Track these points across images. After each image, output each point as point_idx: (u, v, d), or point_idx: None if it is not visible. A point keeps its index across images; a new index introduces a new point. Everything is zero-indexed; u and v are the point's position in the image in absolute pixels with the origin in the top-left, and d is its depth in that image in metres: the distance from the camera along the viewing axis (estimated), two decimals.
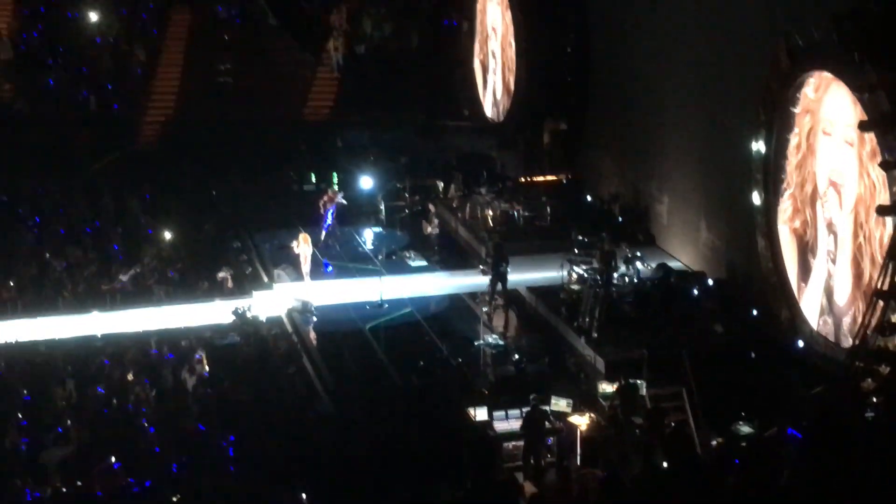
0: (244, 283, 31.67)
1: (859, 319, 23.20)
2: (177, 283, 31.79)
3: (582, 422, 23.64)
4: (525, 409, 23.52)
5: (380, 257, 33.73)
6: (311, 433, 23.53)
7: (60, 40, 44.06)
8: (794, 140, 24.94)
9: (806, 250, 25.15)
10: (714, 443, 22.93)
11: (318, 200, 35.13)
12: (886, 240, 22.07)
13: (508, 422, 23.94)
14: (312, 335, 29.14)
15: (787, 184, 25.41)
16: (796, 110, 24.71)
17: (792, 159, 25.06)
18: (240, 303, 29.61)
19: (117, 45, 44.30)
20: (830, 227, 24.26)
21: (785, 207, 25.59)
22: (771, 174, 26.07)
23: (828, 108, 23.91)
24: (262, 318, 29.29)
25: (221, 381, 25.86)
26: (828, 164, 24.13)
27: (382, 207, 37.22)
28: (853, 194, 23.40)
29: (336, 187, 36.62)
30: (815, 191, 24.63)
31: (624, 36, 34.49)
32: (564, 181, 37.13)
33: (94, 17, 44.22)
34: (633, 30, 33.89)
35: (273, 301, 30.57)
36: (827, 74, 23.67)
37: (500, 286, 29.73)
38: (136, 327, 29.07)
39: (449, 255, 34.27)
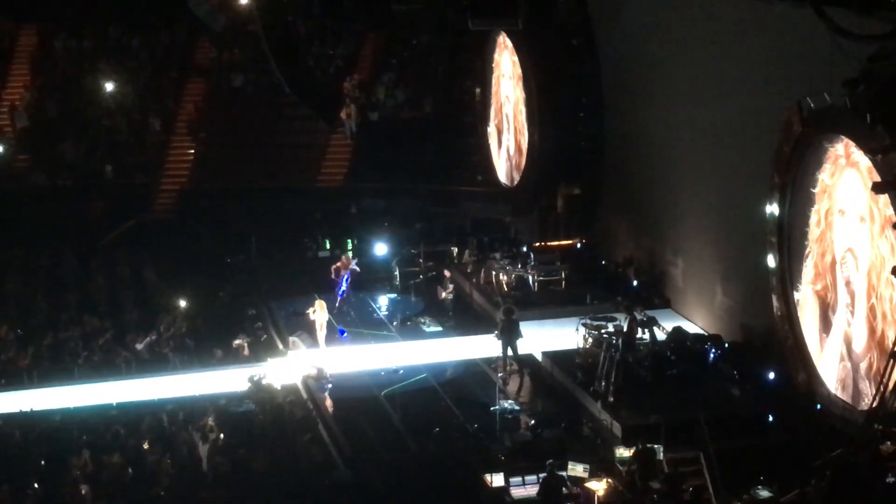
0: (259, 351, 31.68)
1: (875, 365, 23.58)
2: (192, 350, 31.81)
3: (599, 487, 23.50)
4: (542, 475, 23.40)
5: (395, 323, 33.75)
6: (328, 501, 23.43)
7: (76, 110, 44.44)
8: (814, 217, 25.43)
9: (827, 309, 25.39)
10: None
11: (332, 267, 35.19)
12: None
13: (525, 488, 23.80)
14: (328, 402, 29.08)
15: (809, 250, 25.68)
16: (815, 190, 25.21)
17: (814, 231, 25.52)
18: (255, 370, 29.60)
19: (133, 114, 44.65)
20: (848, 284, 24.62)
21: (808, 271, 25.82)
22: (785, 237, 26.18)
23: (841, 190, 24.49)
24: (278, 385, 29.24)
25: (237, 450, 25.78)
26: (844, 239, 24.66)
27: (397, 273, 37.27)
28: (866, 262, 23.94)
29: (350, 254, 36.70)
30: (833, 260, 24.97)
31: (638, 100, 34.68)
32: (579, 246, 37.21)
33: (109, 86, 44.58)
34: (647, 94, 34.07)
35: (288, 368, 30.57)
36: (841, 161, 24.14)
37: (510, 352, 29.73)
38: (151, 395, 29.05)
39: (464, 321, 34.25)
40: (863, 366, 24.26)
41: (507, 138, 40.68)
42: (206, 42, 46.17)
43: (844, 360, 24.93)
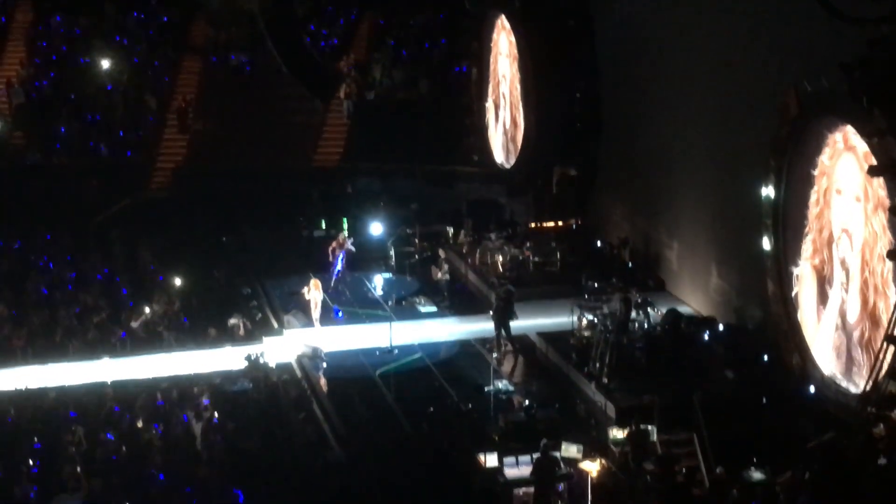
0: (254, 330, 31.69)
1: (867, 335, 23.81)
2: (187, 329, 31.81)
3: (593, 468, 23.54)
4: (535, 456, 23.42)
5: (390, 303, 33.73)
6: (321, 480, 23.47)
7: (72, 88, 44.35)
8: (813, 196, 25.54)
9: (824, 282, 25.57)
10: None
11: (327, 246, 35.18)
12: (887, 273, 22.99)
13: (519, 468, 23.81)
14: (322, 381, 29.13)
15: (808, 229, 25.83)
16: (815, 172, 25.28)
17: (813, 210, 25.64)
18: (250, 349, 29.61)
19: (129, 92, 44.54)
20: (843, 263, 24.80)
21: (806, 248, 25.96)
22: (781, 219, 26.21)
23: (839, 172, 24.60)
24: (273, 364, 29.28)
25: (231, 428, 25.81)
26: (841, 217, 24.79)
27: (392, 253, 37.25)
28: (860, 240, 24.11)
29: (346, 233, 36.67)
30: (830, 236, 25.11)
31: (634, 82, 34.62)
32: (574, 227, 37.20)
33: (105, 64, 44.49)
34: (643, 76, 34.02)
35: (283, 347, 30.59)
36: (839, 146, 24.19)
37: (503, 331, 29.78)
38: (146, 374, 29.06)
39: (459, 301, 34.26)
40: (855, 335, 24.51)
41: (504, 114, 40.65)
42: (202, 21, 46.04)
43: (839, 329, 25.17)
